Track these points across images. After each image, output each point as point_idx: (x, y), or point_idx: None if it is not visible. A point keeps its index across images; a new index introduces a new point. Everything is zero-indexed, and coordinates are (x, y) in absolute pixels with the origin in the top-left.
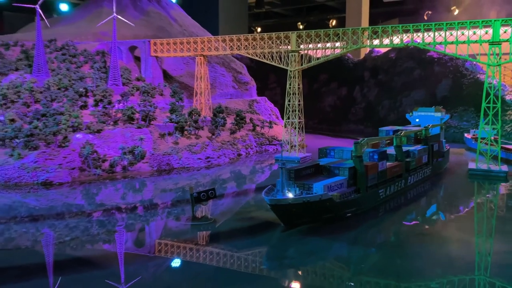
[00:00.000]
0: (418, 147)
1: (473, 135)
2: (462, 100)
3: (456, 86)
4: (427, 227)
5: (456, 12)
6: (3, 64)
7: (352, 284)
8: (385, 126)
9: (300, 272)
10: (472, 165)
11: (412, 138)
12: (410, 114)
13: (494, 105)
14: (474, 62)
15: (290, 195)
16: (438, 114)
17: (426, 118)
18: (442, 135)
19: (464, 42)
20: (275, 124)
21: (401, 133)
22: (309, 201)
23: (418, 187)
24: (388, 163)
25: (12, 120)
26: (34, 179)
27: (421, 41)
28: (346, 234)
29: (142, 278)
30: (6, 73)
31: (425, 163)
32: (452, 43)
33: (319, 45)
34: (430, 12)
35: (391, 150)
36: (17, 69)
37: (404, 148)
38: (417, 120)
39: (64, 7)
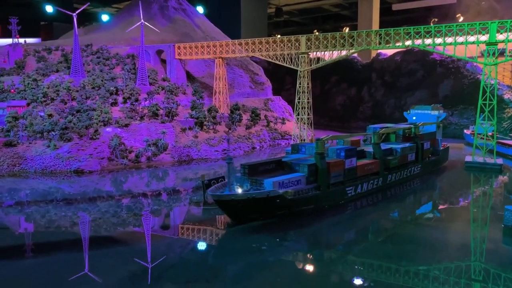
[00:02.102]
0: (404, 145)
1: (472, 131)
2: (462, 99)
3: (457, 86)
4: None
5: (461, 19)
6: (46, 66)
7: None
8: (391, 123)
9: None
10: (468, 158)
11: (401, 135)
12: (408, 112)
13: (490, 102)
14: (475, 64)
15: (240, 190)
16: (435, 112)
17: (423, 116)
18: (439, 133)
19: (462, 43)
20: (288, 120)
21: (380, 130)
22: (254, 197)
23: (404, 184)
24: (360, 161)
25: (50, 115)
26: (67, 167)
27: (421, 43)
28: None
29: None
30: (48, 74)
31: (412, 161)
32: (450, 44)
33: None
34: (436, 20)
35: (370, 148)
36: (57, 71)
37: (388, 146)
38: (414, 118)
39: (105, 17)
